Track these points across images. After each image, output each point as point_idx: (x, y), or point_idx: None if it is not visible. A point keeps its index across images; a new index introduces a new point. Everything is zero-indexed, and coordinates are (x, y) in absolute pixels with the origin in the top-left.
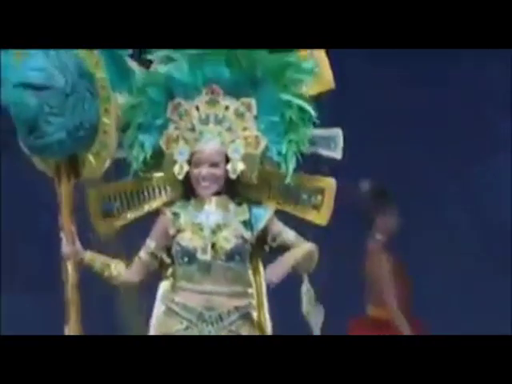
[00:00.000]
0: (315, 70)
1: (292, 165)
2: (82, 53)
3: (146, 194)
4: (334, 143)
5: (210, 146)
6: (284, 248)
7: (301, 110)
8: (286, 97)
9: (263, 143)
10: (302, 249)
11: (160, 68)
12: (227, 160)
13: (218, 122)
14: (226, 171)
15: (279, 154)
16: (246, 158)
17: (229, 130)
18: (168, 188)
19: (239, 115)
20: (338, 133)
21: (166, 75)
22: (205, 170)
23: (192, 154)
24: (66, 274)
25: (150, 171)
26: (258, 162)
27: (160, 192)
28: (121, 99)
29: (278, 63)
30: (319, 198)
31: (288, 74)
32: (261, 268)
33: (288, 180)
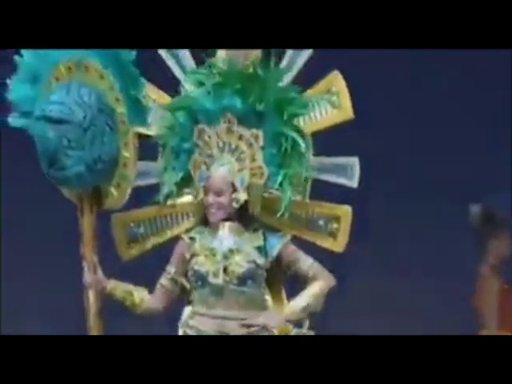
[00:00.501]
0: (335, 100)
1: (287, 197)
2: (102, 88)
3: (169, 220)
4: (350, 172)
5: (217, 173)
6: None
7: (295, 142)
8: (283, 129)
9: (266, 174)
10: (304, 297)
11: (189, 92)
12: (236, 188)
13: (232, 151)
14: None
15: (276, 185)
16: (251, 188)
17: (239, 159)
18: (190, 214)
19: (250, 145)
20: (354, 162)
21: (193, 99)
22: (211, 198)
23: (206, 181)
24: (87, 303)
25: (177, 195)
26: (261, 192)
27: (183, 218)
28: (145, 129)
29: (280, 98)
30: (335, 225)
31: (288, 109)
32: (283, 294)
33: (281, 212)
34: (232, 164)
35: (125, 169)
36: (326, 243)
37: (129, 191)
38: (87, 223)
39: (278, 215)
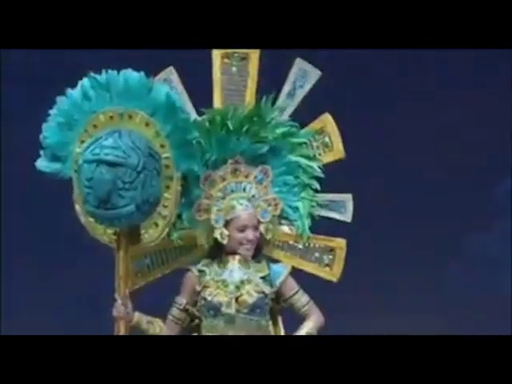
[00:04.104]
0: (327, 141)
1: (307, 221)
2: (148, 135)
3: (173, 252)
4: (344, 208)
5: (247, 211)
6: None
7: (310, 169)
8: (295, 159)
9: (281, 204)
10: None
11: (198, 143)
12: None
13: (243, 189)
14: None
15: (295, 212)
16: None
17: (253, 196)
18: (193, 248)
19: (258, 181)
20: (348, 198)
21: (202, 151)
22: (251, 234)
23: (229, 221)
24: (117, 333)
25: (180, 234)
26: (277, 222)
27: (186, 251)
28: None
29: (284, 131)
30: (330, 256)
31: (293, 140)
32: (279, 319)
33: (304, 237)
34: (251, 201)
35: (164, 209)
36: (322, 273)
37: (166, 231)
38: (123, 259)
39: (304, 238)
